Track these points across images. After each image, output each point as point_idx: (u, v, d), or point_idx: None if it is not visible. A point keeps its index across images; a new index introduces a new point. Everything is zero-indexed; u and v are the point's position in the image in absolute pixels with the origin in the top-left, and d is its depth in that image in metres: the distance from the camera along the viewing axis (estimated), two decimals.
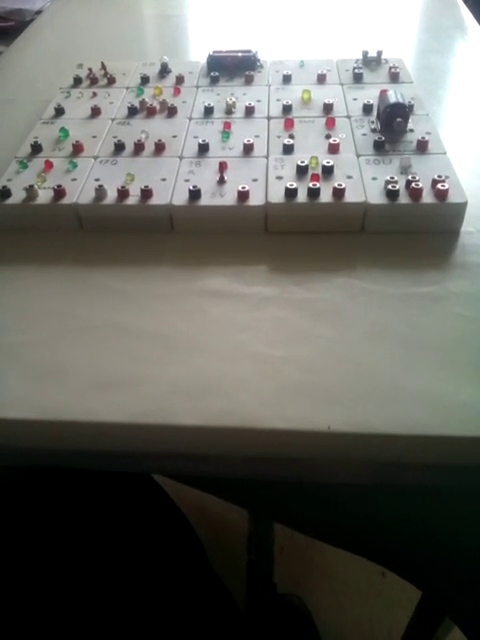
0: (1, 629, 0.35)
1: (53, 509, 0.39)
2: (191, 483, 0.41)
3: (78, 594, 0.38)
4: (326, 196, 0.39)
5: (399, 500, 0.35)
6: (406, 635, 0.65)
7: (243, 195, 0.39)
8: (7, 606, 0.36)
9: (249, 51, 0.54)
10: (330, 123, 0.46)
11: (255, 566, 0.84)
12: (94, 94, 0.51)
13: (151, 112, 0.48)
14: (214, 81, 0.53)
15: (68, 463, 0.34)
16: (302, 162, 0.41)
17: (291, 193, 0.39)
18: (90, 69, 0.54)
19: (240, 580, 0.83)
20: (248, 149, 0.43)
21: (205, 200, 0.39)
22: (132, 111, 0.48)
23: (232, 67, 0.54)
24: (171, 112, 0.48)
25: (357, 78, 0.52)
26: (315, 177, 0.40)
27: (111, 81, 0.53)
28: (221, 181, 0.41)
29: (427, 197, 0.38)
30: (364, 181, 0.40)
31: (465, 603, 0.40)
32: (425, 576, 0.41)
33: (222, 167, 0.41)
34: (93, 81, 0.53)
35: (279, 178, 0.40)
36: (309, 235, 0.39)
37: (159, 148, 0.44)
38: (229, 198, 0.39)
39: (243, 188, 0.39)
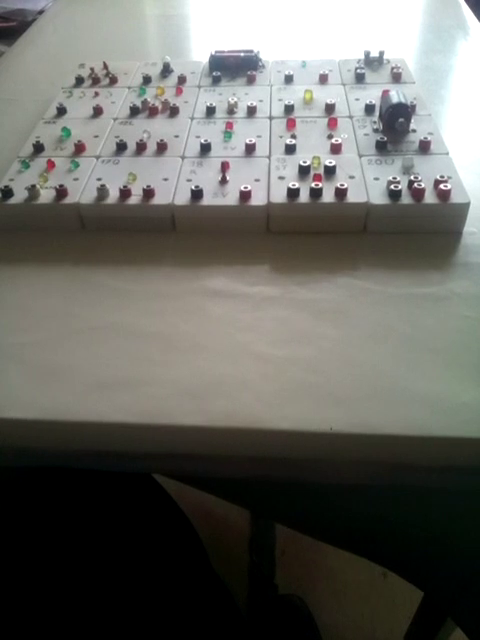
0: (1, 629, 0.35)
1: (54, 509, 0.39)
2: (192, 483, 0.41)
3: (79, 594, 0.37)
4: (328, 196, 0.39)
5: (401, 501, 0.35)
6: (408, 636, 0.65)
7: (245, 195, 0.39)
8: (7, 606, 0.36)
9: (251, 51, 0.54)
10: (332, 123, 0.46)
11: (256, 567, 0.84)
12: (96, 94, 0.51)
13: (153, 112, 0.48)
14: (216, 81, 0.53)
15: (69, 463, 0.34)
16: (304, 162, 0.41)
17: (293, 193, 0.39)
18: (92, 69, 0.54)
19: (241, 581, 0.83)
20: (250, 149, 0.43)
21: (207, 200, 0.39)
22: (134, 111, 0.48)
23: (234, 67, 0.54)
24: (173, 112, 0.48)
25: (359, 78, 0.52)
26: (317, 177, 0.40)
27: (113, 81, 0.53)
28: (223, 181, 0.41)
29: (429, 197, 0.38)
30: (366, 181, 0.40)
31: (467, 604, 0.40)
32: (427, 577, 0.41)
33: (224, 167, 0.41)
34: (95, 81, 0.53)
35: (281, 178, 0.40)
36: (311, 235, 0.39)
37: (161, 148, 0.44)
38: (231, 198, 0.39)
39: (245, 188, 0.39)
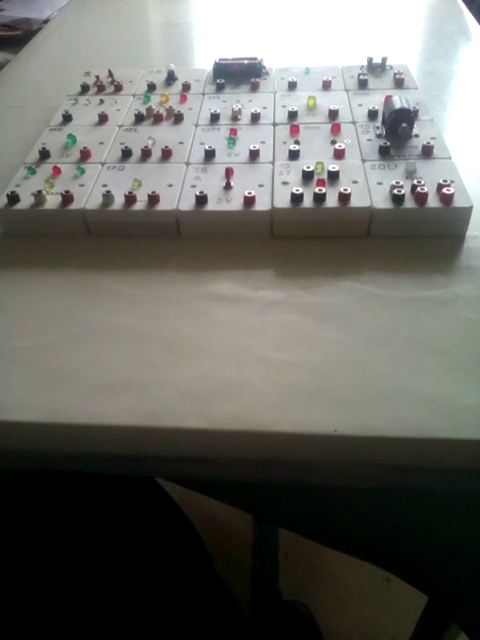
0: (3, 632, 0.35)
1: (57, 513, 0.39)
2: (196, 487, 0.41)
3: (82, 599, 0.38)
4: (332, 201, 0.39)
5: (405, 504, 0.35)
6: None
7: (249, 200, 0.39)
8: (9, 609, 0.36)
9: (255, 58, 0.55)
10: (335, 129, 0.46)
11: (260, 572, 0.84)
12: (101, 101, 0.52)
13: (158, 119, 0.49)
14: (220, 88, 0.53)
15: (73, 466, 0.34)
16: (308, 167, 0.41)
17: (297, 198, 0.39)
18: (97, 77, 0.55)
19: (245, 586, 0.82)
20: (254, 155, 0.44)
21: (211, 205, 0.40)
22: (139, 118, 0.49)
23: (238, 74, 0.54)
24: (177, 119, 0.49)
25: (362, 84, 0.52)
26: (321, 182, 0.40)
27: (118, 88, 0.54)
28: (227, 187, 0.41)
29: (432, 201, 0.38)
30: (370, 186, 0.40)
31: (471, 608, 0.40)
32: (431, 581, 0.41)
33: (228, 173, 0.42)
34: (100, 88, 0.54)
35: (285, 183, 0.41)
36: (315, 240, 0.39)
37: (166, 154, 0.44)
38: (235, 203, 0.40)
39: (249, 193, 0.39)
